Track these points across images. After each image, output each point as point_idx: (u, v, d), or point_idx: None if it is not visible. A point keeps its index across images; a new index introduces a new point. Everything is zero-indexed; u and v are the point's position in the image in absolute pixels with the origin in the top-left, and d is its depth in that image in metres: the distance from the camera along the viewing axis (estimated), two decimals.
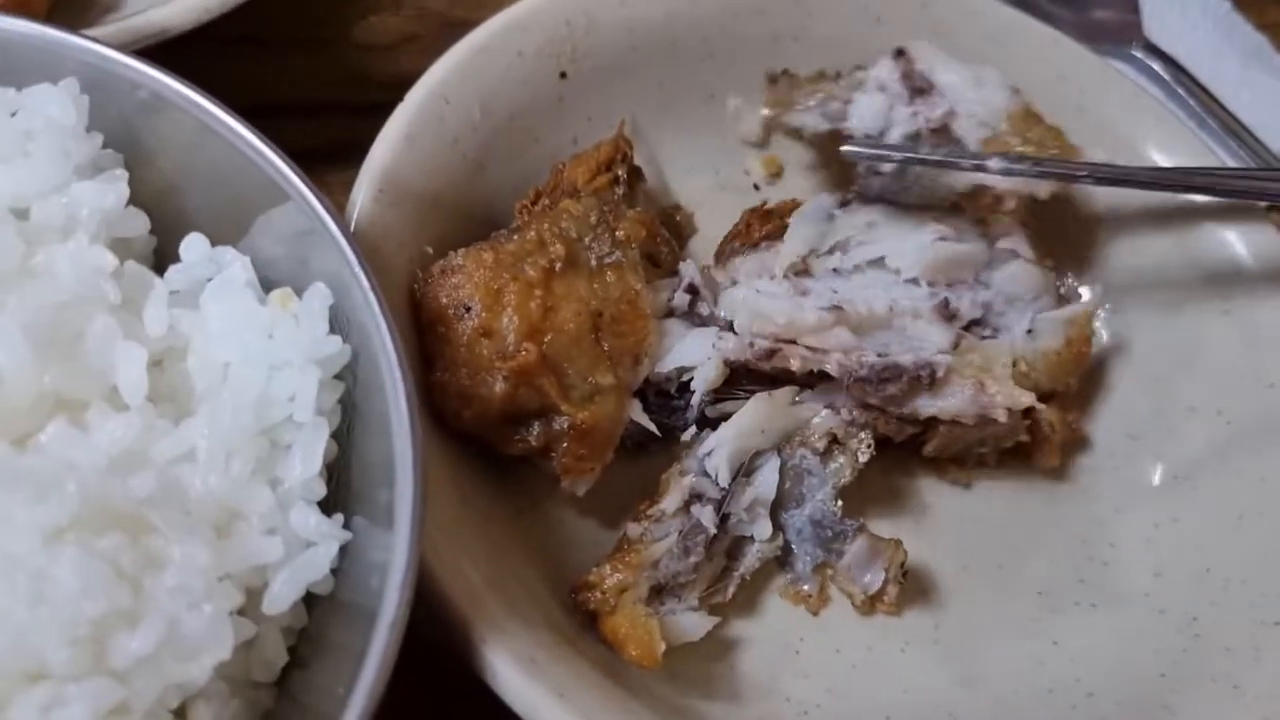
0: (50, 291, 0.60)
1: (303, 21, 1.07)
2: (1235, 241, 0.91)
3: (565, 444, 0.75)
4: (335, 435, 0.63)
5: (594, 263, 0.79)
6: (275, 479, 0.61)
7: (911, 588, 0.82)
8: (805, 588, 0.81)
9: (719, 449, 0.78)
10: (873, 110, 0.91)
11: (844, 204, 0.90)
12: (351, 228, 0.75)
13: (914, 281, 0.86)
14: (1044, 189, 0.87)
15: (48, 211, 0.63)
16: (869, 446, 0.80)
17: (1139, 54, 1.18)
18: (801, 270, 0.86)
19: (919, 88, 0.90)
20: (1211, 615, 0.80)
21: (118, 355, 0.60)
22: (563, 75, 0.92)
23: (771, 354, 0.81)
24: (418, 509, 0.57)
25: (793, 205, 0.91)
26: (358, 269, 0.62)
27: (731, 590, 0.79)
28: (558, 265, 0.77)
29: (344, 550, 0.60)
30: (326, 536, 0.59)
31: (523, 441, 0.76)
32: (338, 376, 0.63)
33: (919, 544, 0.84)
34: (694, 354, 0.81)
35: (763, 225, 0.90)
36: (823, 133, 0.93)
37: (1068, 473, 0.89)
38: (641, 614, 0.73)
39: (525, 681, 0.63)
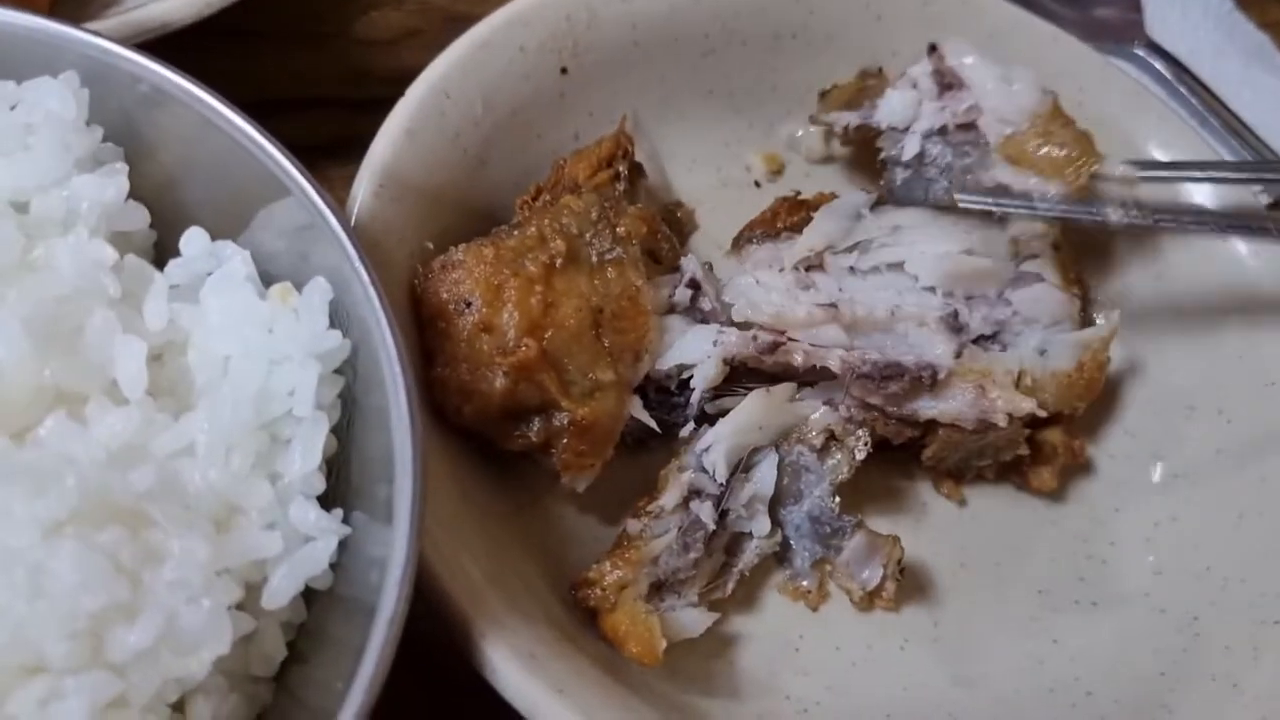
0: (50, 285, 0.60)
1: (304, 16, 1.07)
2: (1237, 242, 0.91)
3: (565, 440, 0.75)
4: (335, 430, 0.62)
5: (595, 259, 0.79)
6: (275, 474, 0.60)
7: (910, 586, 0.82)
8: (804, 584, 0.81)
9: (716, 445, 0.78)
10: (902, 104, 0.91)
11: (875, 205, 0.90)
12: (352, 222, 0.75)
13: (930, 290, 0.86)
14: (1054, 190, 0.86)
15: (48, 205, 0.63)
16: (866, 444, 0.80)
17: (1141, 52, 1.18)
18: (815, 266, 0.86)
19: (948, 83, 0.90)
20: (1211, 614, 0.80)
21: (117, 349, 0.59)
22: (564, 71, 0.92)
23: (774, 348, 0.81)
24: (417, 504, 0.57)
25: (825, 198, 0.91)
26: (358, 264, 0.62)
27: (731, 586, 0.79)
28: (558, 261, 0.77)
29: (343, 545, 0.60)
30: (326, 531, 0.59)
31: (523, 437, 0.76)
32: (338, 371, 0.63)
33: (918, 542, 0.84)
34: (694, 351, 0.81)
35: (790, 216, 0.90)
36: (855, 128, 0.94)
37: (1066, 471, 0.88)
38: (641, 610, 0.73)
39: (525, 678, 0.63)
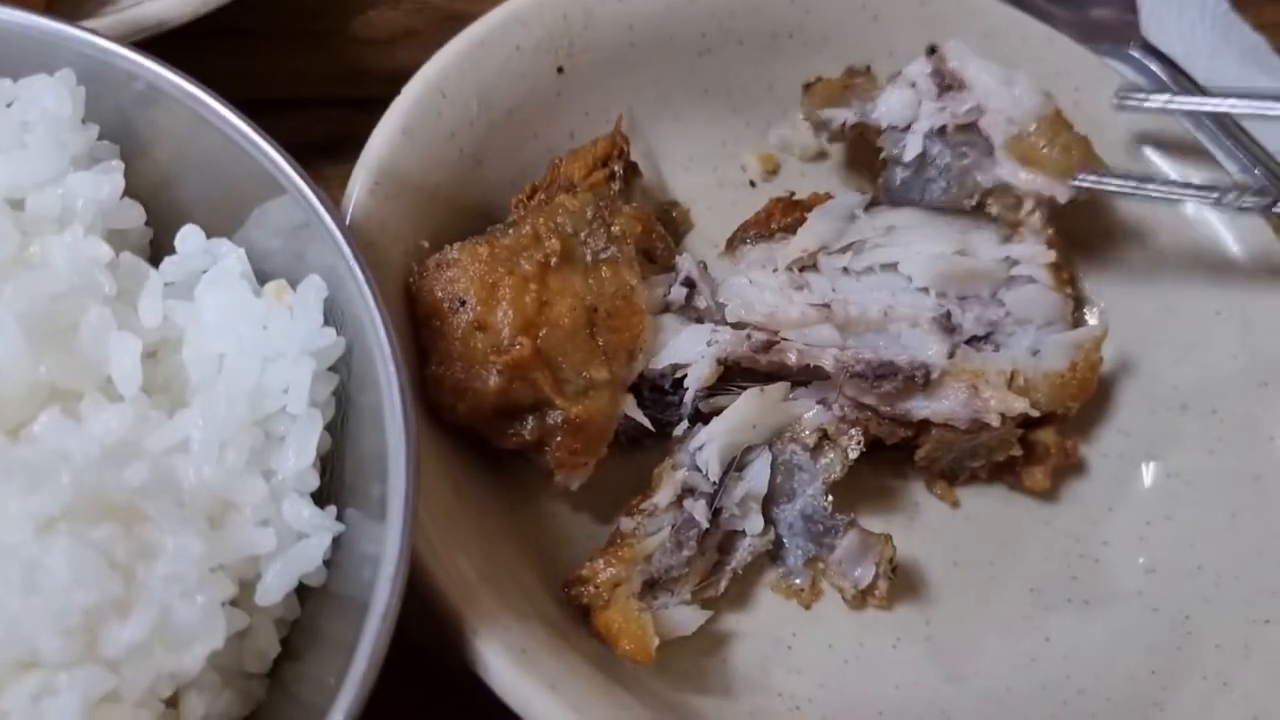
0: (45, 282, 0.60)
1: (301, 15, 1.08)
2: (1229, 239, 0.91)
3: (559, 438, 0.75)
4: (329, 427, 0.63)
5: (589, 258, 0.79)
6: (269, 470, 0.61)
7: (903, 584, 0.82)
8: (797, 582, 0.81)
9: (710, 444, 0.79)
10: (901, 103, 0.91)
11: (870, 206, 0.91)
12: (347, 221, 0.75)
13: (924, 290, 0.87)
14: (1063, 193, 0.87)
15: (43, 202, 0.64)
16: (859, 443, 0.80)
17: (1136, 53, 1.18)
18: (808, 266, 0.86)
19: (948, 84, 0.90)
20: (1203, 613, 0.80)
21: (112, 346, 0.60)
22: (560, 70, 0.92)
23: (768, 347, 0.81)
24: (410, 502, 0.57)
25: (820, 199, 0.92)
26: (353, 262, 0.62)
27: (724, 584, 0.79)
28: (553, 260, 0.77)
29: (337, 542, 0.60)
30: (319, 528, 0.60)
31: (517, 435, 0.76)
32: (332, 369, 0.63)
33: (910, 541, 0.85)
34: (688, 350, 0.81)
35: (784, 216, 0.90)
36: (851, 126, 0.94)
37: (1059, 471, 0.89)
38: (634, 608, 0.73)
39: (517, 674, 0.64)
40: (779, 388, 0.81)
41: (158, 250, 0.69)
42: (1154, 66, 1.17)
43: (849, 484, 0.81)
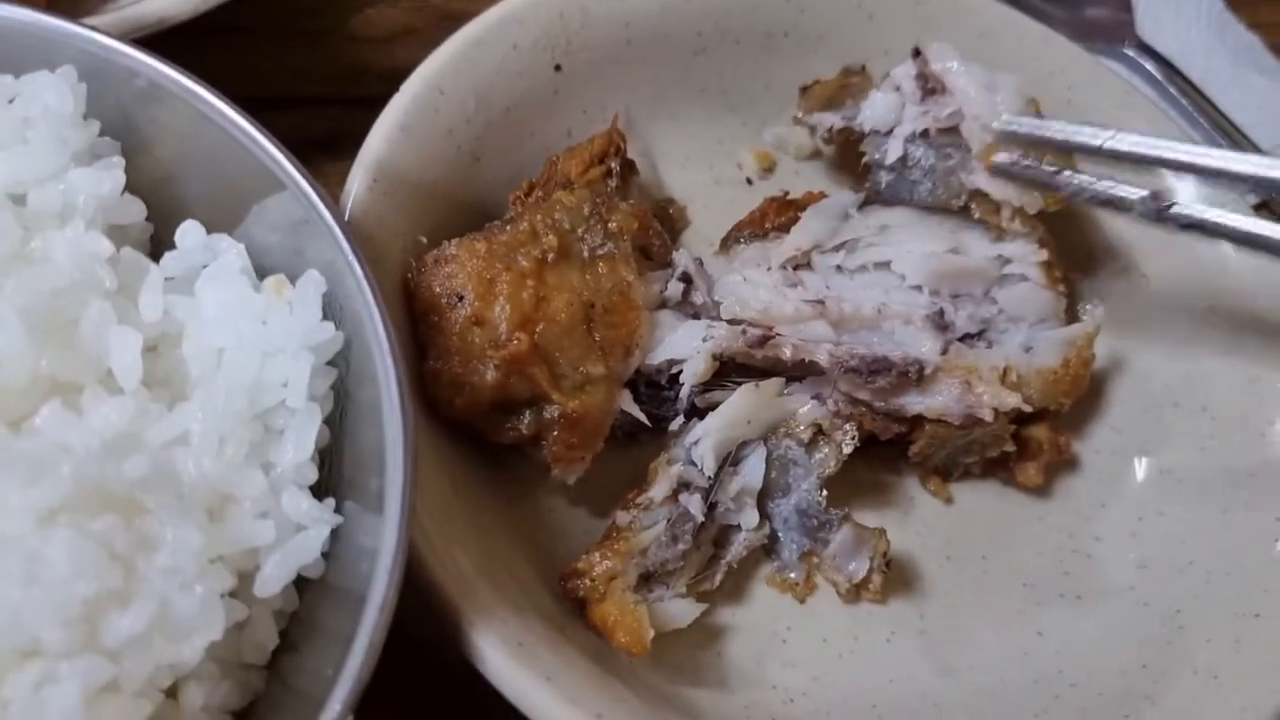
0: (47, 277, 0.61)
1: (300, 13, 1.08)
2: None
3: (556, 433, 0.75)
4: (328, 421, 0.63)
5: (586, 254, 0.80)
6: (268, 463, 0.61)
7: (897, 579, 0.83)
8: (792, 576, 0.82)
9: (705, 438, 0.79)
10: (885, 107, 0.92)
11: (863, 205, 0.91)
12: (346, 217, 0.75)
13: (917, 289, 0.87)
14: (1033, 204, 0.87)
15: (45, 198, 0.64)
16: (853, 438, 0.81)
17: (1131, 53, 1.19)
18: (802, 264, 0.87)
19: (931, 88, 0.91)
20: (1194, 608, 0.81)
21: (113, 340, 0.60)
22: (557, 68, 0.92)
23: (763, 342, 0.82)
24: (408, 495, 0.58)
25: (813, 198, 0.92)
26: (351, 257, 0.63)
27: (719, 578, 0.80)
28: (550, 256, 0.77)
29: (335, 535, 0.61)
30: (318, 521, 0.60)
31: (514, 430, 0.76)
32: (331, 363, 0.64)
33: (904, 536, 0.85)
34: (684, 346, 0.82)
35: (778, 216, 0.90)
36: (837, 131, 0.95)
37: (1052, 467, 0.89)
38: (630, 601, 0.74)
39: (514, 666, 0.64)
40: (774, 383, 0.82)
41: (158, 245, 0.69)
42: (1149, 66, 1.17)
43: (843, 479, 0.82)
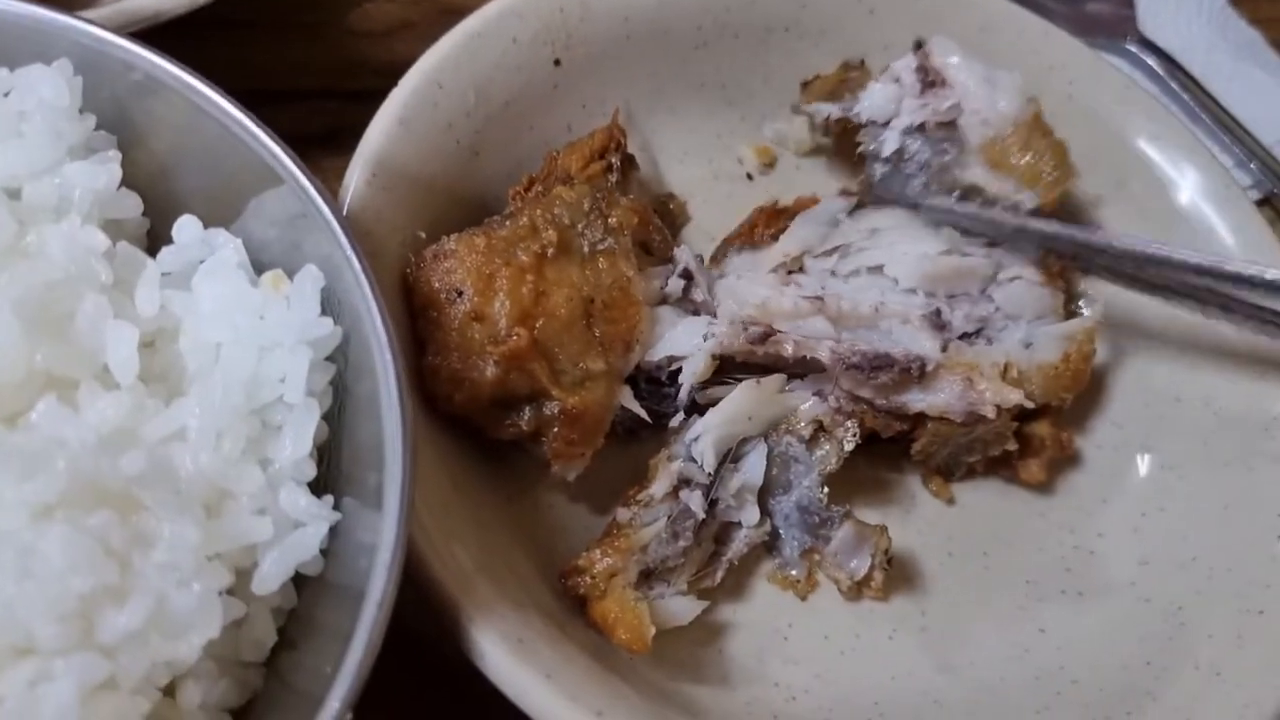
0: (42, 271, 0.60)
1: (298, 7, 1.08)
2: (1223, 229, 0.91)
3: (556, 429, 0.75)
4: (326, 417, 0.63)
5: (586, 249, 0.79)
6: (265, 459, 0.61)
7: (898, 576, 0.83)
8: (793, 573, 0.82)
9: (706, 435, 0.79)
10: (884, 99, 0.92)
11: (853, 210, 0.91)
12: (344, 212, 0.75)
13: (911, 291, 0.87)
14: (1028, 201, 0.87)
15: (40, 192, 0.64)
16: (854, 435, 0.80)
17: (1133, 48, 1.19)
18: (795, 270, 0.86)
19: (931, 81, 0.90)
20: (1196, 604, 0.80)
21: (109, 335, 0.60)
22: (557, 62, 0.92)
23: (765, 338, 0.81)
24: (406, 491, 0.57)
25: (804, 204, 0.92)
26: (350, 252, 0.62)
27: (720, 575, 0.80)
28: (550, 251, 0.77)
29: (333, 531, 0.60)
30: (316, 517, 0.60)
31: (513, 426, 0.76)
32: (329, 359, 0.63)
33: (906, 533, 0.85)
34: (685, 343, 0.81)
35: (768, 226, 0.90)
36: (835, 120, 0.95)
37: (1055, 463, 0.89)
38: (631, 598, 0.73)
39: (513, 663, 0.64)
40: (775, 380, 0.82)
41: (155, 240, 0.69)
42: (1150, 61, 1.17)
43: (845, 476, 0.81)
